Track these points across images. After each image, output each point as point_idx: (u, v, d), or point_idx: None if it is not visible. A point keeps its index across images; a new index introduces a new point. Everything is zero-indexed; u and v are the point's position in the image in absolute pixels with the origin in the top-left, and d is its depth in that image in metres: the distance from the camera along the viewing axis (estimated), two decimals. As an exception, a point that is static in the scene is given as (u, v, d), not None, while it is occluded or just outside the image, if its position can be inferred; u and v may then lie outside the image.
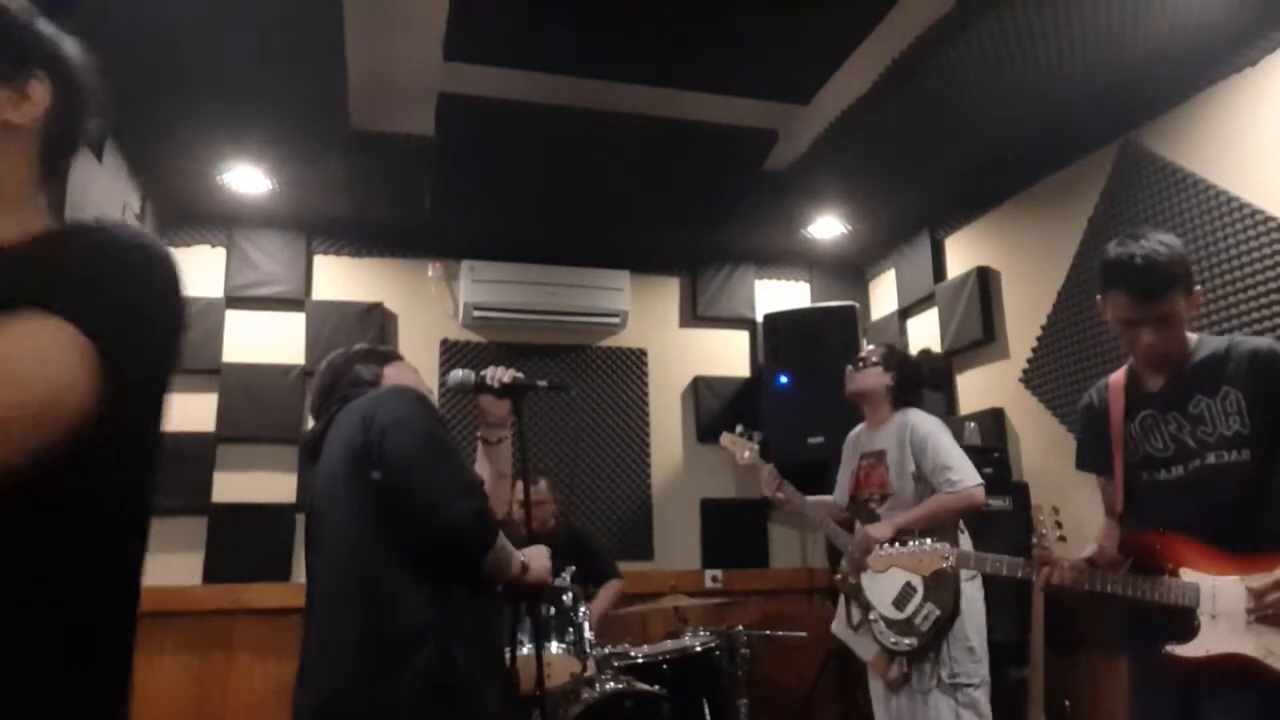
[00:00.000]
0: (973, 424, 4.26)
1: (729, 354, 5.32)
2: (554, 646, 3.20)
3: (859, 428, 3.46)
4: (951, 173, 4.29)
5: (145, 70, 3.21)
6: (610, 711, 3.19)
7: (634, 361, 5.15)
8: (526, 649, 2.52)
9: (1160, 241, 1.99)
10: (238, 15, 2.93)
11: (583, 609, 3.35)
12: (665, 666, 3.55)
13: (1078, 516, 2.57)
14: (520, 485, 2.37)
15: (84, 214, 3.32)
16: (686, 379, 5.22)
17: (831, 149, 4.06)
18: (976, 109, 3.63)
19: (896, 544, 2.47)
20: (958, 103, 3.58)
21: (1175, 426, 2.07)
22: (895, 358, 3.37)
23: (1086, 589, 2.09)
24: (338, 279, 4.82)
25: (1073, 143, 3.85)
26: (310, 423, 2.18)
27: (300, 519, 4.31)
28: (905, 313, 5.11)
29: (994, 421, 4.29)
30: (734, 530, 5.03)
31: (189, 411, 4.42)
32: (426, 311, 4.90)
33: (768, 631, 3.92)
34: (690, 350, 5.27)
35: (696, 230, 4.91)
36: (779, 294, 5.45)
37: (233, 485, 4.41)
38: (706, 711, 3.54)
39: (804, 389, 4.70)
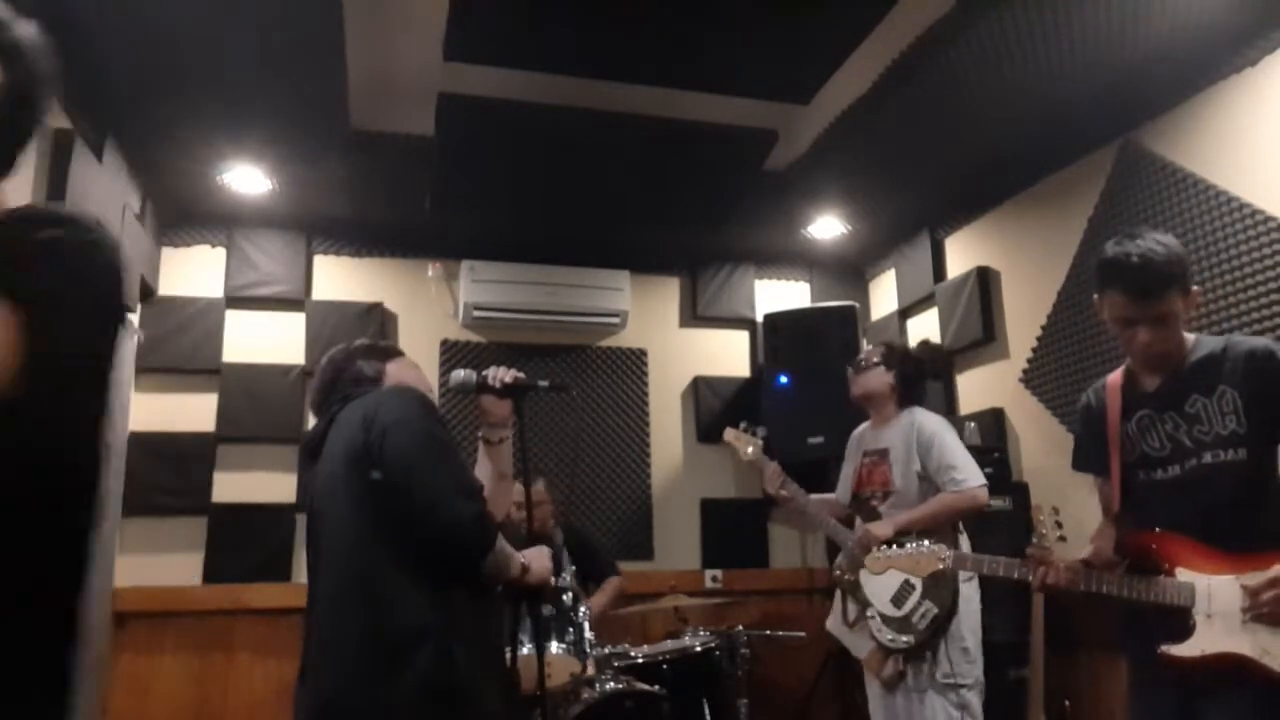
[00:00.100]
0: (973, 424, 4.26)
1: (729, 354, 5.32)
2: (554, 646, 3.20)
3: (863, 426, 3.47)
4: (951, 173, 4.29)
5: (145, 70, 3.22)
6: (610, 711, 3.20)
7: (634, 361, 5.16)
8: (527, 649, 2.52)
9: (1157, 241, 1.99)
10: (238, 15, 2.93)
11: (583, 609, 3.35)
12: (665, 666, 3.55)
13: (1078, 516, 2.57)
14: (520, 486, 2.37)
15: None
16: (686, 379, 5.22)
17: (831, 149, 4.06)
18: (976, 109, 3.63)
19: (894, 546, 2.48)
20: (958, 103, 3.58)
21: (1172, 426, 2.07)
22: (895, 355, 3.37)
23: (1082, 589, 2.09)
24: (338, 279, 4.83)
25: (1073, 143, 3.85)
26: (311, 422, 2.18)
27: (300, 519, 4.32)
28: (905, 313, 5.11)
29: (994, 421, 4.29)
30: (734, 530, 5.03)
31: (189, 411, 4.43)
32: (426, 311, 4.90)
33: (768, 631, 3.93)
34: (690, 350, 5.27)
35: (696, 230, 4.91)
36: (779, 294, 5.45)
37: (233, 485, 4.41)
38: (706, 711, 3.54)
39: (804, 389, 4.70)
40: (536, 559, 2.03)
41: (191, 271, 4.61)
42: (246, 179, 4.20)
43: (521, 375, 2.21)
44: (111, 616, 3.98)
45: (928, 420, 3.23)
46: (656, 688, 3.35)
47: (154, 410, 4.35)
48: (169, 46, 3.07)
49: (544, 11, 3.06)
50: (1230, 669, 1.89)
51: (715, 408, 5.12)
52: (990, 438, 4.22)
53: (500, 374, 2.19)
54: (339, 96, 3.53)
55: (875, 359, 3.36)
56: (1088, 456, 2.28)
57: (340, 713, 1.79)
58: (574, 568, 3.48)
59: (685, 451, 5.13)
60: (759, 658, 3.83)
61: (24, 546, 0.93)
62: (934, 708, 2.95)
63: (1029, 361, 4.14)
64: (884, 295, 5.37)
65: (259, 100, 3.48)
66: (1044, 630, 3.16)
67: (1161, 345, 2.04)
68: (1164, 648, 1.95)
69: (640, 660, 3.54)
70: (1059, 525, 2.86)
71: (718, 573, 4.89)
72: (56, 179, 3.13)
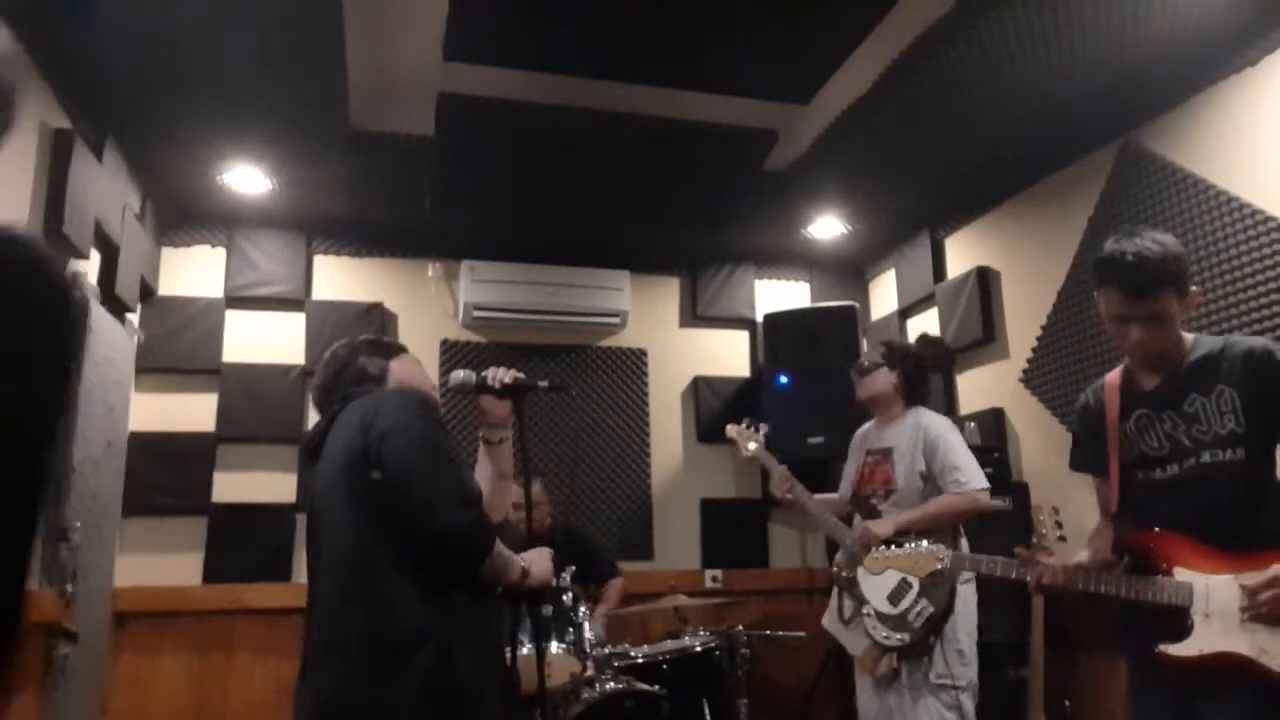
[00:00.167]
0: (973, 424, 4.26)
1: (729, 354, 5.32)
2: (554, 646, 3.20)
3: (868, 425, 3.47)
4: (951, 173, 4.29)
5: (145, 70, 3.22)
6: (610, 711, 3.20)
7: (634, 361, 5.16)
8: (527, 649, 2.52)
9: (1154, 240, 1.99)
10: (238, 15, 2.93)
11: (583, 609, 3.35)
12: (665, 666, 3.55)
13: (1078, 516, 2.57)
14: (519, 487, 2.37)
15: (84, 214, 3.33)
16: (686, 379, 5.22)
17: (831, 149, 4.06)
18: (976, 109, 3.63)
19: (893, 546, 2.48)
20: (958, 103, 3.58)
21: (1170, 425, 2.07)
22: (896, 354, 3.37)
23: (1080, 589, 2.09)
24: (338, 279, 4.83)
25: (1073, 143, 3.85)
26: (311, 422, 2.18)
27: (300, 519, 4.32)
28: (905, 313, 5.10)
29: (994, 421, 4.30)
30: (734, 530, 5.03)
31: (189, 411, 4.43)
32: (426, 311, 4.90)
33: (768, 631, 3.92)
34: (690, 350, 5.27)
35: (696, 230, 4.91)
36: (779, 294, 5.45)
37: (233, 485, 4.42)
38: (706, 711, 3.54)
39: (804, 389, 4.70)
40: (537, 562, 2.03)
41: (191, 271, 4.62)
42: (246, 179, 4.20)
43: (521, 375, 2.21)
44: (111, 616, 3.98)
45: (935, 421, 3.24)
46: (656, 688, 3.35)
47: (154, 410, 4.35)
48: (169, 46, 3.08)
49: (544, 11, 3.06)
50: (1228, 669, 1.89)
51: (715, 408, 5.12)
52: (990, 438, 4.22)
53: (500, 374, 2.19)
54: (339, 96, 3.53)
55: (878, 360, 3.36)
56: (1086, 456, 2.28)
57: (340, 713, 1.79)
58: (573, 567, 3.48)
59: (685, 451, 5.13)
60: (759, 658, 3.82)
61: None
62: (926, 708, 2.95)
63: (1029, 361, 4.14)
64: (884, 295, 5.37)
65: (259, 100, 3.49)
66: (1044, 630, 3.16)
67: (1155, 344, 2.04)
68: (1162, 647, 1.95)
69: (640, 660, 3.54)
70: (1059, 525, 2.86)
71: (718, 573, 4.89)
72: (56, 179, 3.13)
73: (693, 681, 3.57)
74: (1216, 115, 3.28)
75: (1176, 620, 1.95)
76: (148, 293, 4.39)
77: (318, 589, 1.94)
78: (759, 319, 5.21)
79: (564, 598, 3.31)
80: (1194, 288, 2.05)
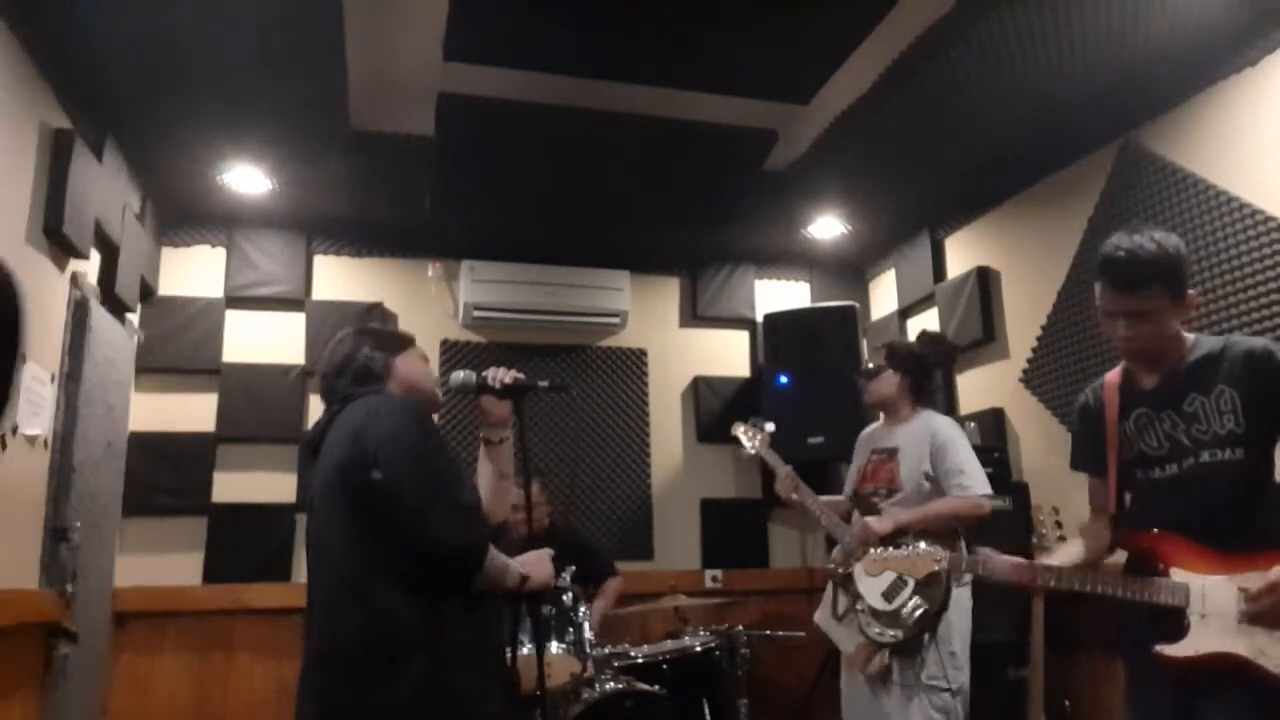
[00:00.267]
0: (973, 424, 4.26)
1: (729, 354, 5.32)
2: (554, 646, 3.20)
3: (875, 424, 3.48)
4: (951, 173, 4.29)
5: (145, 70, 3.22)
6: (610, 711, 3.20)
7: (634, 361, 5.16)
8: (527, 649, 2.52)
9: (1154, 238, 1.98)
10: (238, 15, 2.93)
11: (583, 609, 3.35)
12: (665, 666, 3.55)
13: (1078, 516, 2.57)
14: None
15: (84, 214, 3.33)
16: (686, 379, 5.22)
17: (831, 149, 4.06)
18: (976, 109, 3.63)
19: (891, 547, 2.47)
20: (958, 103, 3.58)
21: (1170, 425, 2.07)
22: (899, 355, 3.37)
23: (1077, 589, 2.09)
24: (338, 279, 4.83)
25: (1073, 143, 3.85)
26: (312, 420, 2.18)
27: (300, 519, 4.32)
28: (905, 313, 5.11)
29: (994, 421, 4.30)
30: (734, 530, 5.03)
31: (189, 411, 4.43)
32: (426, 311, 4.90)
33: (768, 631, 3.93)
34: (690, 350, 5.27)
35: (696, 230, 4.91)
36: (779, 294, 5.45)
37: (233, 485, 4.42)
38: (706, 711, 3.54)
39: (804, 389, 4.71)
40: (538, 565, 2.02)
41: (191, 271, 4.62)
42: (246, 179, 4.20)
43: (521, 375, 2.21)
44: (111, 616, 3.99)
45: (944, 424, 3.24)
46: (656, 688, 3.35)
47: (154, 410, 4.35)
48: (169, 46, 3.08)
49: (544, 11, 3.06)
50: (1226, 669, 1.88)
51: (715, 408, 5.12)
52: (990, 438, 4.22)
53: (500, 374, 2.19)
54: (339, 96, 3.53)
55: (882, 363, 3.36)
56: (1086, 456, 2.28)
57: (341, 712, 1.79)
58: (573, 567, 3.48)
59: (685, 451, 5.13)
60: (759, 658, 3.83)
61: None
62: (916, 709, 2.95)
63: (1029, 361, 4.14)
64: (884, 295, 5.37)
65: (259, 100, 3.49)
66: (1044, 630, 3.16)
67: (1141, 341, 2.04)
68: (1158, 648, 1.95)
69: (640, 660, 3.54)
70: (1059, 525, 2.87)
71: (718, 573, 4.89)
72: (56, 179, 3.13)
73: (693, 681, 3.57)
74: (1216, 115, 3.28)
75: (1173, 621, 1.95)
76: (148, 293, 4.40)
77: (317, 589, 1.94)
78: (759, 319, 5.21)
79: (564, 598, 3.30)
80: (1191, 291, 2.04)
